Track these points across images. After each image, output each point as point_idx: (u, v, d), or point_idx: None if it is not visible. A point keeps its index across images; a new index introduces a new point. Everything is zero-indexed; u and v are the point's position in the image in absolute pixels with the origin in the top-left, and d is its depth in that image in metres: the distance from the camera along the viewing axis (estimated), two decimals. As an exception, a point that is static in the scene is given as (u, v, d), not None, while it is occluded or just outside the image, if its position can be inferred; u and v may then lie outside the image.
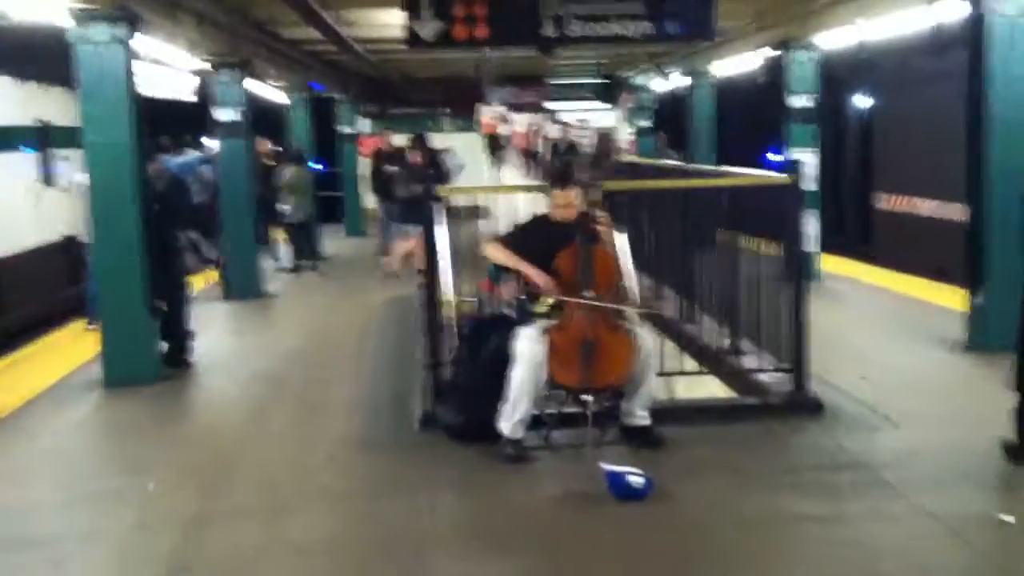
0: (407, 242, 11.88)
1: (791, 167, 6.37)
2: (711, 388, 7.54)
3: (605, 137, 15.14)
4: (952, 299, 9.48)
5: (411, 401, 6.64)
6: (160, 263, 7.70)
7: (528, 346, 5.58)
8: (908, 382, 7.11)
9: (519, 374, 5.57)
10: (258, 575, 4.38)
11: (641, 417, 5.82)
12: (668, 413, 6.07)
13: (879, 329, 9.03)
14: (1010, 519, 4.60)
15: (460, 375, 6.10)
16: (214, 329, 9.62)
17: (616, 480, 4.98)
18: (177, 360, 8.00)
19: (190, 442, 6.35)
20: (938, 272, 11.66)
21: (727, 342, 7.33)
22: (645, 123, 19.11)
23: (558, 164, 12.15)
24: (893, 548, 4.41)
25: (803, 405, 6.29)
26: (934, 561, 4.29)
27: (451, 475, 5.42)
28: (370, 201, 16.80)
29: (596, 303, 5.64)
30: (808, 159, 10.54)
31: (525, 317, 5.84)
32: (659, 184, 8.16)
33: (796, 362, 6.41)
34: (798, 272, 6.37)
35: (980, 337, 7.57)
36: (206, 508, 5.08)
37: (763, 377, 6.74)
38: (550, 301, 5.76)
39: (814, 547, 4.50)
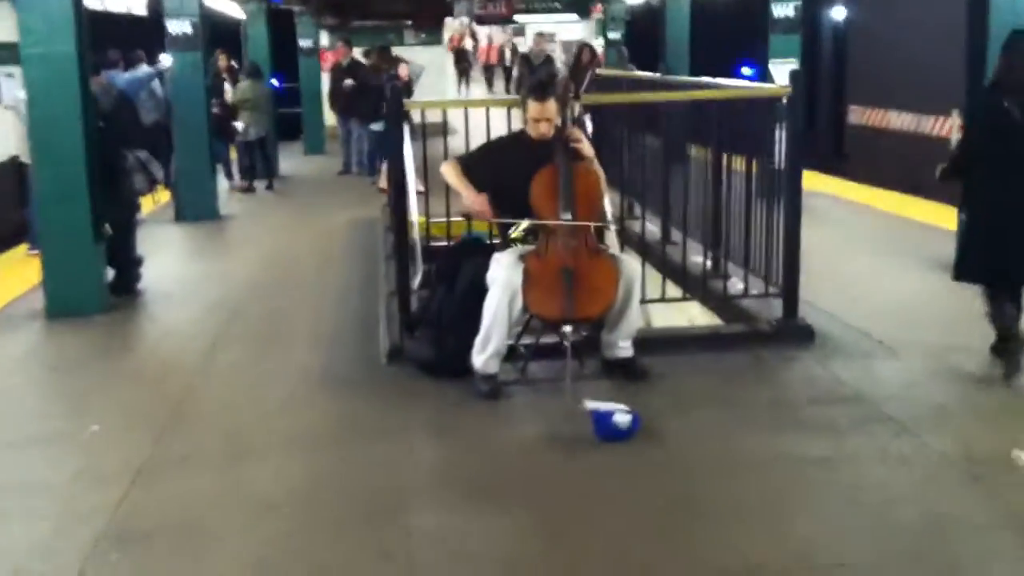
0: None
1: (792, 77, 5.87)
2: (692, 314, 7.19)
3: (586, 48, 14.44)
4: (936, 216, 9.16)
5: (377, 332, 6.23)
6: (106, 185, 7.17)
7: (502, 273, 5.15)
8: (900, 305, 6.79)
9: (493, 303, 5.15)
10: (217, 535, 3.93)
11: (623, 348, 5.42)
12: (649, 342, 5.69)
13: (864, 249, 8.71)
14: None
15: (431, 305, 5.68)
16: (165, 254, 9.12)
17: (602, 420, 4.59)
18: (125, 288, 7.51)
19: (139, 379, 5.89)
20: (907, 186, 11.39)
21: (707, 263, 6.93)
22: (616, 35, 18.47)
23: (533, 76, 11.53)
24: (906, 493, 4.07)
25: (794, 332, 5.93)
26: (953, 508, 3.94)
27: (424, 415, 5.02)
28: (331, 118, 16.21)
29: (553, 222, 5.18)
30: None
31: (500, 243, 5.42)
32: (648, 97, 7.65)
33: (786, 286, 6.04)
34: (792, 190, 5.94)
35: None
36: (157, 454, 4.65)
37: (749, 302, 6.38)
38: (524, 225, 5.34)
39: (820, 492, 4.14)
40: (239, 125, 13.18)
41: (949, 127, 13.82)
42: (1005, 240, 5.27)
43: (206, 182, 11.12)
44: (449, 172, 5.48)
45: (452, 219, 6.13)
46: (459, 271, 5.57)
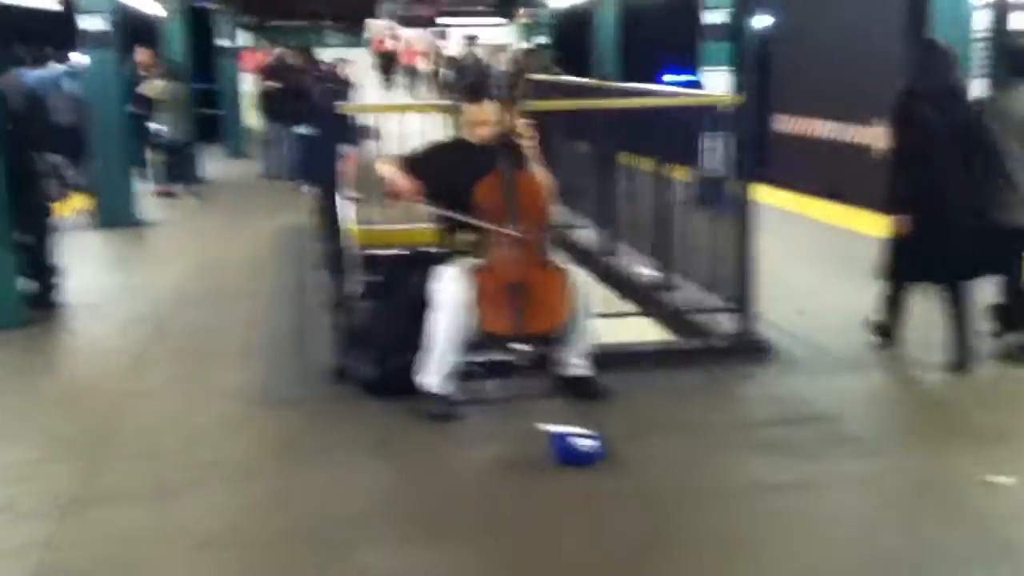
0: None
1: (744, 83, 5.73)
2: (640, 328, 6.99)
3: (528, 54, 14.18)
4: (871, 225, 9.10)
5: (314, 347, 5.91)
6: (18, 191, 6.75)
7: (449, 287, 4.90)
8: (851, 317, 6.61)
9: (440, 321, 4.89)
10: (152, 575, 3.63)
11: (578, 366, 5.20)
12: (601, 358, 5.44)
13: (806, 259, 8.60)
14: (1000, 480, 4.13)
15: (373, 320, 5.39)
16: (85, 264, 8.63)
17: (561, 444, 4.36)
18: (44, 301, 7.08)
19: (62, 402, 5.48)
20: (832, 194, 11.38)
21: (646, 272, 6.74)
22: (542, 40, 18.29)
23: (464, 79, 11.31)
24: (884, 520, 3.90)
25: (750, 348, 5.76)
26: (937, 536, 3.76)
27: (370, 439, 4.72)
28: (254, 120, 15.80)
29: (489, 226, 4.96)
30: (722, 78, 10.02)
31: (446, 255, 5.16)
32: (597, 104, 7.45)
33: (742, 300, 5.87)
34: (744, 200, 5.79)
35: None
36: (84, 486, 4.29)
37: (701, 316, 6.21)
38: (469, 237, 5.09)
39: (792, 522, 3.91)
40: (153, 126, 12.64)
41: (872, 136, 13.95)
42: (924, 243, 5.37)
43: (125, 186, 10.68)
44: (384, 167, 5.21)
45: (390, 226, 5.86)
46: (402, 284, 5.30)
